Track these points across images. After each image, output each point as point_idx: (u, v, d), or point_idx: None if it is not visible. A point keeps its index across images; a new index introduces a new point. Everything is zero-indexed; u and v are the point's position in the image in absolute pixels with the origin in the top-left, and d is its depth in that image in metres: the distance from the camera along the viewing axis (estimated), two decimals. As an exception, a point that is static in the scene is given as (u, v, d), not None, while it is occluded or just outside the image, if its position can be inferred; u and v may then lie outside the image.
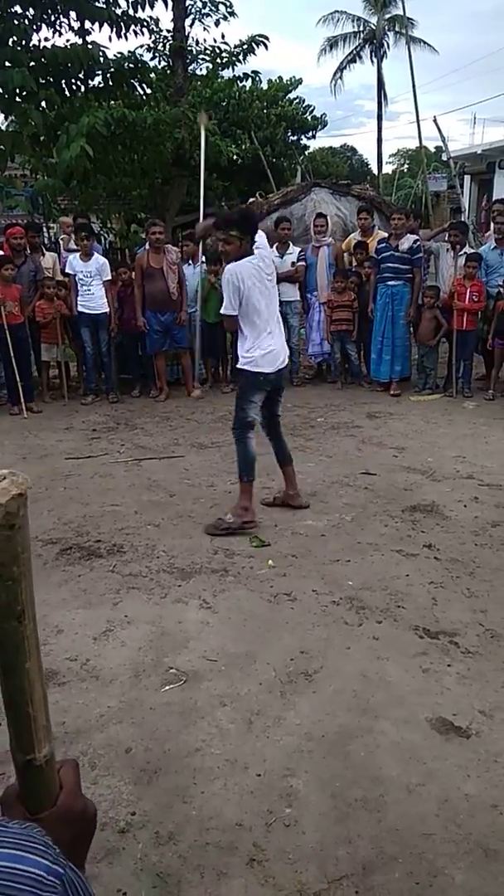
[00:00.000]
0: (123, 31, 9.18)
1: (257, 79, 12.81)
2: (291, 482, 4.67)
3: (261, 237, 4.30)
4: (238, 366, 4.44)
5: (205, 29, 11.38)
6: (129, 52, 9.71)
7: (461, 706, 2.69)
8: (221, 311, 4.38)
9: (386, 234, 8.34)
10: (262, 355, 4.28)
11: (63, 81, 8.99)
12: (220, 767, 2.39)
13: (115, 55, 9.36)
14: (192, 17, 10.94)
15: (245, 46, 10.98)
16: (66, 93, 9.08)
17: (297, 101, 19.50)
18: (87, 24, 9.08)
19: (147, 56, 10.75)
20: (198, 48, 11.17)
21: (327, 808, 2.22)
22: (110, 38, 9.51)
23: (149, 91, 10.27)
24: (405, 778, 2.33)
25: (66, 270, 7.36)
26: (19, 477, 0.58)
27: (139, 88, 9.91)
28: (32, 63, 8.48)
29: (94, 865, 2.01)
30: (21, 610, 0.60)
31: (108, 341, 7.50)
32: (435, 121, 10.93)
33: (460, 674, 2.89)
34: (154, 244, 7.29)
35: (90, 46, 8.66)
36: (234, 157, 12.64)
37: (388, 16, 30.25)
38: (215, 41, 11.16)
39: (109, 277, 7.35)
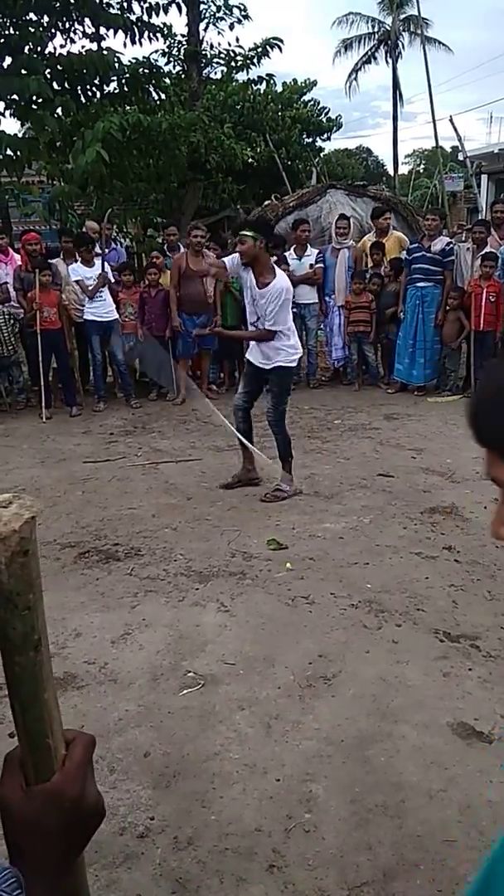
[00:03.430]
0: (138, 36, 9.25)
1: (272, 81, 12.80)
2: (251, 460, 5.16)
3: None
4: (286, 364, 4.82)
5: (219, 33, 11.38)
6: (144, 57, 9.77)
7: (483, 711, 2.65)
8: (276, 327, 4.69)
9: (402, 235, 8.30)
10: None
11: (78, 88, 9.06)
12: (238, 772, 2.38)
13: (129, 61, 9.45)
14: (206, 21, 10.99)
15: (259, 49, 11.00)
16: (82, 99, 9.15)
17: (312, 103, 19.45)
18: (102, 31, 9.16)
19: (161, 61, 10.83)
20: (212, 52, 11.21)
21: (347, 814, 2.19)
22: (125, 44, 9.61)
23: (163, 96, 10.32)
24: (426, 783, 2.30)
25: (73, 276, 7.21)
26: (26, 500, 0.56)
27: (154, 93, 9.96)
28: (48, 70, 8.55)
29: (112, 871, 2.00)
30: (38, 639, 0.58)
31: (122, 346, 7.51)
32: (451, 120, 10.88)
33: (481, 678, 2.85)
34: (195, 247, 7.28)
35: (105, 52, 8.71)
36: (249, 160, 12.64)
37: (402, 16, 30.16)
38: (230, 45, 11.20)
39: (112, 280, 7.40)
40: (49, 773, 0.60)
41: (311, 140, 19.84)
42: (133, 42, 9.24)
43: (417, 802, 2.23)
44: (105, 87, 9.44)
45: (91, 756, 0.62)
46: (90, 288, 7.10)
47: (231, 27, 11.13)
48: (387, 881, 1.96)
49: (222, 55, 11.20)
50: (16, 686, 0.59)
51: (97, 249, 7.53)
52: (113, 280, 7.43)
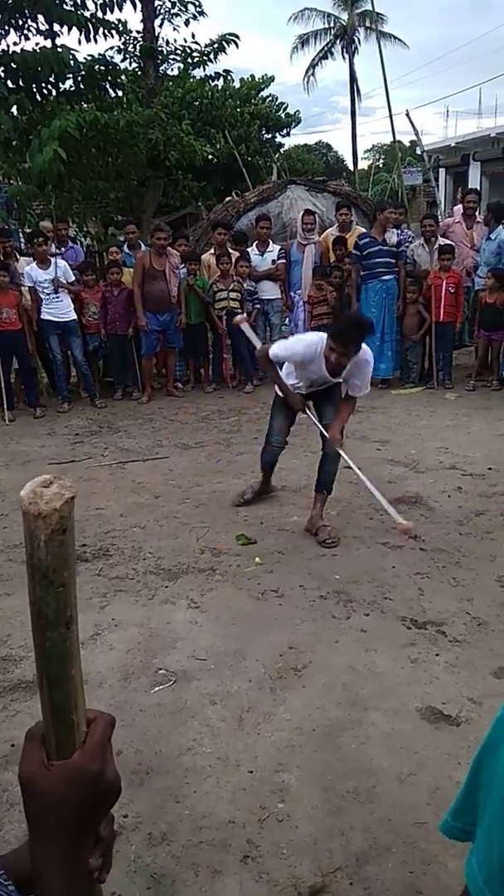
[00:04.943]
0: (93, 33, 9.16)
1: (229, 78, 12.81)
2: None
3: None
4: None
5: (174, 29, 11.34)
6: (100, 54, 9.71)
7: (450, 694, 2.70)
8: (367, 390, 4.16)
9: (363, 230, 8.36)
10: None
11: (34, 86, 8.95)
12: (211, 766, 2.39)
13: (85, 58, 9.35)
14: (161, 17, 10.93)
15: (216, 45, 10.98)
16: (38, 97, 9.05)
17: (271, 98, 19.50)
18: (56, 28, 9.06)
19: (118, 58, 10.74)
20: (168, 48, 11.16)
21: (319, 802, 2.22)
22: (80, 41, 9.51)
23: (120, 93, 10.24)
24: (396, 768, 2.34)
25: (26, 282, 7.13)
26: (66, 481, 0.58)
27: (111, 91, 9.89)
28: (2, 68, 8.43)
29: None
30: (70, 616, 0.59)
31: (82, 346, 7.44)
32: (407, 115, 10.99)
33: (448, 662, 2.91)
34: (158, 249, 7.30)
35: (60, 50, 8.62)
36: (209, 156, 12.63)
37: (358, 11, 30.28)
38: (185, 41, 11.17)
39: (73, 278, 7.33)
40: (70, 750, 0.61)
41: (270, 136, 19.88)
42: (88, 39, 9.17)
43: (388, 787, 2.27)
44: (61, 84, 9.35)
45: (111, 735, 0.64)
46: (41, 293, 7.06)
47: (186, 23, 11.11)
48: (360, 865, 2.00)
49: (178, 51, 11.16)
50: (46, 661, 0.60)
51: (53, 249, 7.46)
52: (73, 279, 7.35)
